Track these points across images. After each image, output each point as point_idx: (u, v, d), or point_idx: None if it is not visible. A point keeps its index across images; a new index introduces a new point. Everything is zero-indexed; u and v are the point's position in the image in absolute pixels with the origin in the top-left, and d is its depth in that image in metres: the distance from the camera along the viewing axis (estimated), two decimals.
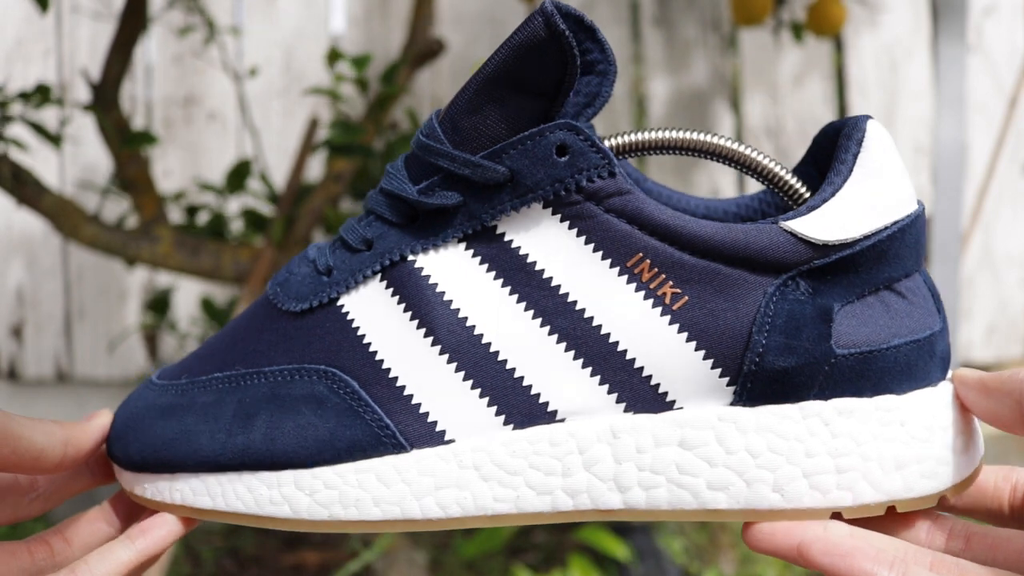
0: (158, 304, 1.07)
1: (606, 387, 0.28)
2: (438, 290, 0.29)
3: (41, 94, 0.74)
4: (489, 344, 0.28)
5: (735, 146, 0.30)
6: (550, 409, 0.28)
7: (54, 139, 0.76)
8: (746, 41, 1.26)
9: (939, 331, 0.29)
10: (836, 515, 0.27)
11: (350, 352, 0.29)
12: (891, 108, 1.26)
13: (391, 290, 0.29)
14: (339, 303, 0.30)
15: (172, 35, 1.12)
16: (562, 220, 0.28)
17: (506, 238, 0.29)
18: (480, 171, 0.28)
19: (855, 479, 0.27)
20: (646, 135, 0.30)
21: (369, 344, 0.29)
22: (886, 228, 0.28)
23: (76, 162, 1.25)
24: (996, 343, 1.26)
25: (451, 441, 0.28)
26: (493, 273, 0.29)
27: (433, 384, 0.28)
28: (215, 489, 0.30)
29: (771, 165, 0.30)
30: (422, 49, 0.90)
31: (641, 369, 0.28)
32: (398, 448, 0.28)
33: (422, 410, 0.28)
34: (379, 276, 0.30)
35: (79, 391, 1.28)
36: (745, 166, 0.30)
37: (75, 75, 1.24)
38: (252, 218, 0.91)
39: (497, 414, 0.28)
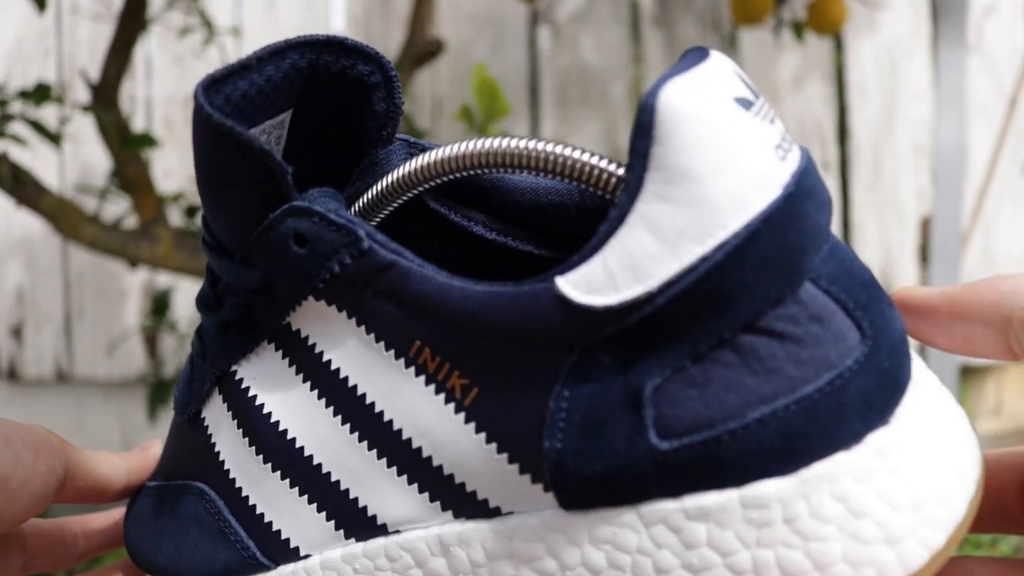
0: (158, 305, 1.07)
1: (426, 495, 0.24)
2: (257, 401, 0.26)
3: (41, 93, 0.74)
4: (311, 456, 0.25)
5: (518, 146, 0.22)
6: (380, 522, 0.25)
7: (54, 138, 0.76)
8: (746, 41, 1.26)
9: (853, 365, 0.20)
10: None
11: (212, 468, 0.28)
12: (891, 108, 1.26)
13: (225, 403, 0.27)
14: (201, 415, 0.29)
15: (172, 35, 1.12)
16: (339, 309, 0.24)
17: (301, 334, 0.25)
18: (239, 278, 0.25)
19: None
20: (391, 178, 0.25)
21: (223, 460, 0.28)
22: (704, 260, 0.19)
23: (76, 162, 1.25)
24: None
25: (307, 556, 0.26)
26: (301, 375, 0.25)
27: (275, 500, 0.26)
28: None
29: (577, 156, 0.22)
30: (421, 49, 0.90)
31: (452, 476, 0.23)
32: (262, 568, 0.27)
33: (274, 528, 0.26)
34: (216, 389, 0.28)
35: (79, 391, 1.28)
36: (544, 168, 0.22)
37: (75, 75, 1.24)
38: None
39: (336, 528, 0.25)
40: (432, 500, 0.24)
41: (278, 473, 0.26)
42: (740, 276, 0.19)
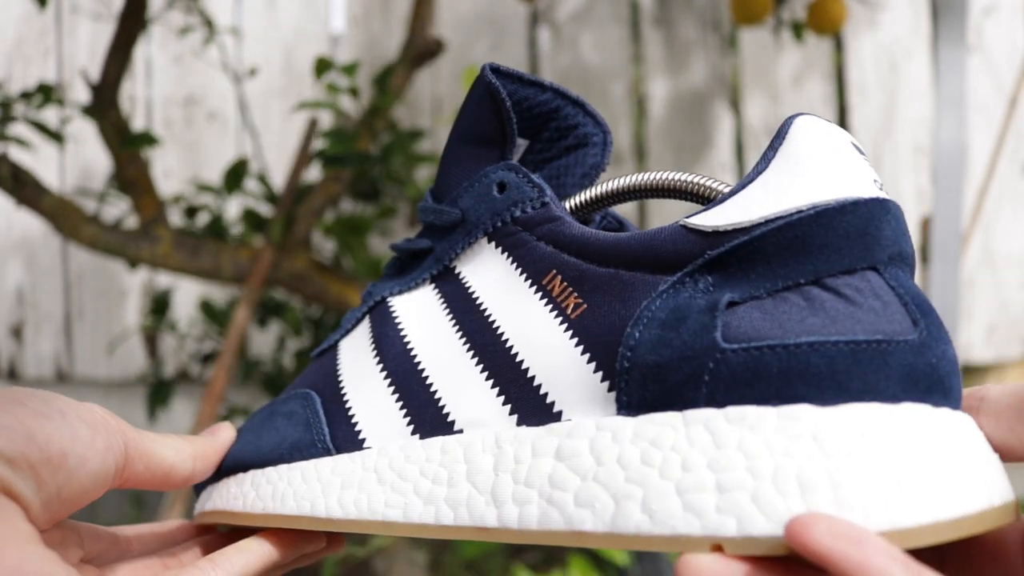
0: (158, 304, 1.07)
1: (502, 399, 0.28)
2: (396, 321, 0.32)
3: (43, 94, 0.74)
4: (419, 363, 0.30)
5: (688, 177, 0.29)
6: (450, 419, 0.29)
7: (57, 136, 0.76)
8: (746, 41, 1.26)
9: (903, 341, 0.23)
10: (717, 548, 0.22)
11: (327, 378, 0.33)
12: (891, 108, 1.26)
13: (369, 327, 0.33)
14: (338, 344, 0.34)
15: (172, 35, 1.12)
16: (501, 250, 0.30)
17: (460, 275, 0.31)
18: (439, 215, 0.32)
19: (740, 501, 0.21)
20: (599, 190, 0.32)
21: (339, 371, 0.33)
22: (799, 212, 0.24)
23: (76, 162, 1.25)
24: (996, 343, 1.26)
25: (368, 448, 0.30)
26: (445, 306, 0.31)
27: (369, 400, 0.31)
28: (212, 493, 0.34)
29: (715, 185, 0.28)
30: (421, 49, 0.90)
31: (533, 379, 0.27)
32: (325, 452, 0.30)
33: (353, 421, 0.31)
34: (367, 317, 0.34)
35: (79, 391, 1.28)
36: (697, 195, 0.28)
37: (75, 75, 1.24)
38: (251, 218, 0.91)
39: (408, 424, 0.29)
40: (505, 403, 0.28)
41: (386, 378, 0.31)
42: (824, 237, 0.24)
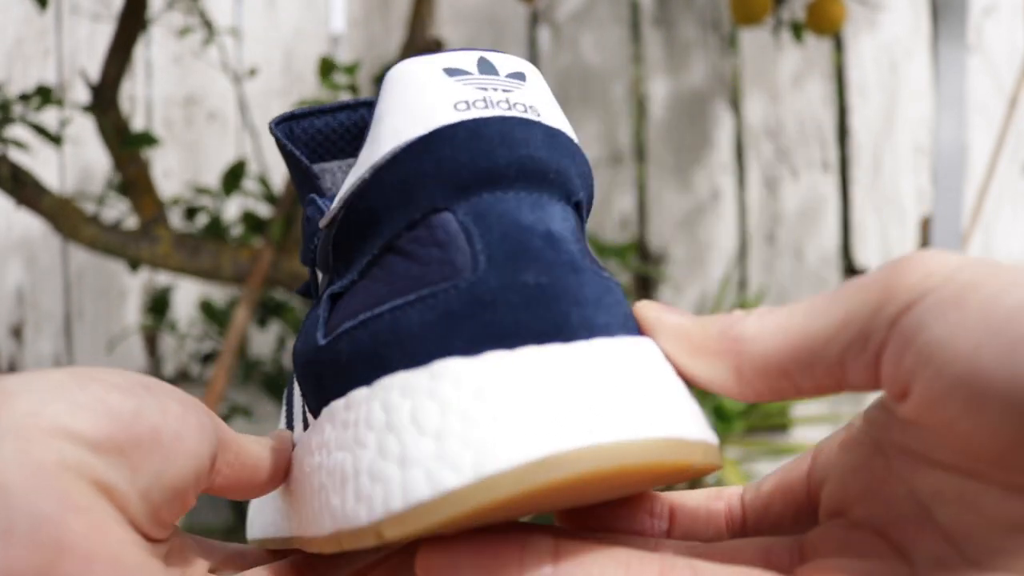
0: (158, 304, 1.07)
1: None
2: None
3: (42, 96, 0.74)
4: None
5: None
6: None
7: (55, 139, 0.76)
8: (746, 41, 1.26)
9: (450, 287, 0.20)
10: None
11: None
12: (891, 108, 1.26)
13: None
14: None
15: (172, 35, 1.12)
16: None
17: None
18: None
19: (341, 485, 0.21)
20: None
21: None
22: (359, 183, 0.22)
23: (76, 163, 1.25)
24: None
25: None
26: None
27: None
28: None
29: None
30: (421, 49, 0.90)
31: None
32: None
33: None
34: None
35: None
36: None
37: (75, 75, 1.24)
38: (251, 219, 0.91)
39: None
40: None
41: None
42: (384, 198, 0.22)
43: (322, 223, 0.24)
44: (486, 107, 0.21)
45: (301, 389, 0.24)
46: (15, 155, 0.88)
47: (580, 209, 0.23)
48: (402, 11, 1.24)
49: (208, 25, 0.93)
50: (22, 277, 1.29)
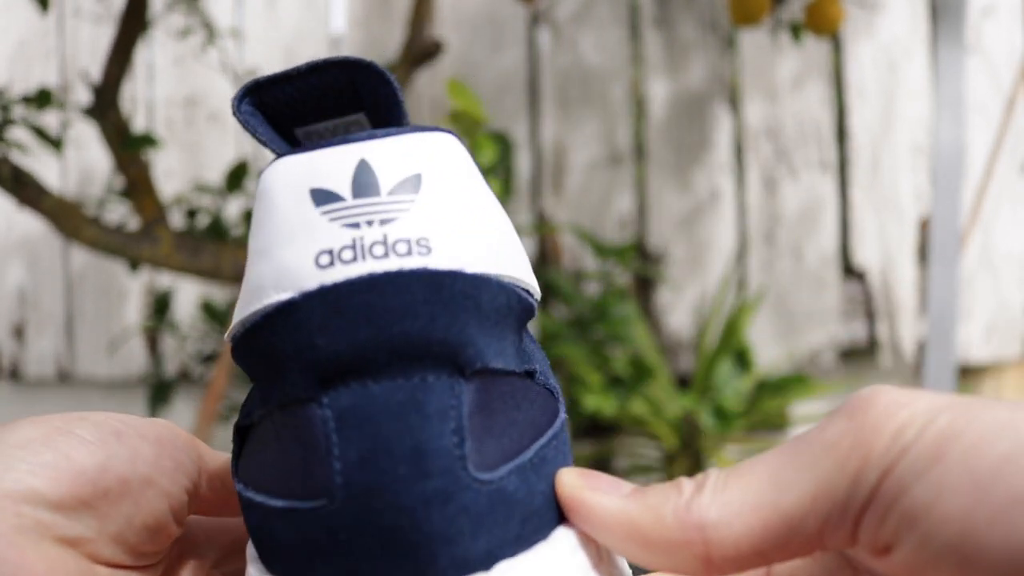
0: (159, 305, 1.07)
1: None
2: None
3: (43, 98, 0.74)
4: None
5: None
6: None
7: (55, 143, 0.76)
8: (745, 43, 1.26)
9: (311, 511, 0.18)
10: None
11: None
12: (890, 109, 1.26)
13: None
14: None
15: (173, 36, 1.13)
16: None
17: None
18: None
19: None
20: None
21: None
22: (242, 324, 0.19)
23: (77, 163, 1.26)
24: (995, 343, 1.27)
25: None
26: None
27: None
28: None
29: None
30: (421, 49, 0.90)
31: None
32: None
33: None
34: None
35: (80, 391, 1.29)
36: None
37: (76, 77, 1.25)
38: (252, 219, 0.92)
39: None
40: None
41: None
42: (256, 366, 0.19)
43: (226, 336, 0.21)
44: (354, 258, 0.18)
45: None
46: (17, 156, 0.88)
47: (482, 373, 0.19)
48: (402, 11, 1.24)
49: (208, 26, 0.94)
50: (24, 277, 1.29)
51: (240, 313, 0.19)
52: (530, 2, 1.11)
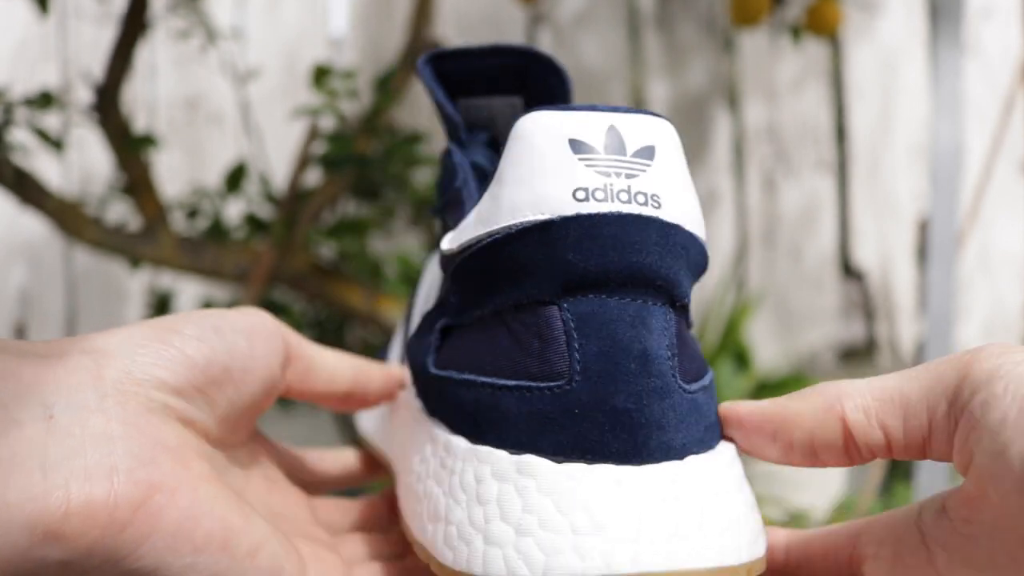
0: (160, 306, 1.08)
1: None
2: None
3: (44, 99, 0.74)
4: None
5: None
6: None
7: (56, 144, 0.77)
8: (745, 44, 1.26)
9: (545, 388, 0.22)
10: None
11: None
12: (888, 110, 1.26)
13: None
14: None
15: (174, 37, 1.13)
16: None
17: None
18: None
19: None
20: None
21: None
22: (478, 241, 0.23)
23: (79, 164, 1.26)
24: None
25: None
26: None
27: None
28: None
29: None
30: (421, 50, 0.91)
31: None
32: None
33: None
34: None
35: None
36: None
37: (78, 78, 1.25)
38: (253, 220, 0.92)
39: None
40: None
41: None
42: (497, 270, 0.23)
43: (445, 246, 0.25)
44: (605, 199, 0.22)
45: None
46: (19, 156, 0.88)
47: (685, 309, 0.24)
48: (402, 12, 1.25)
49: (209, 27, 0.94)
50: (25, 278, 1.29)
51: (483, 228, 0.23)
52: (530, 3, 1.11)
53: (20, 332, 1.29)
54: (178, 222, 0.96)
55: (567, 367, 0.22)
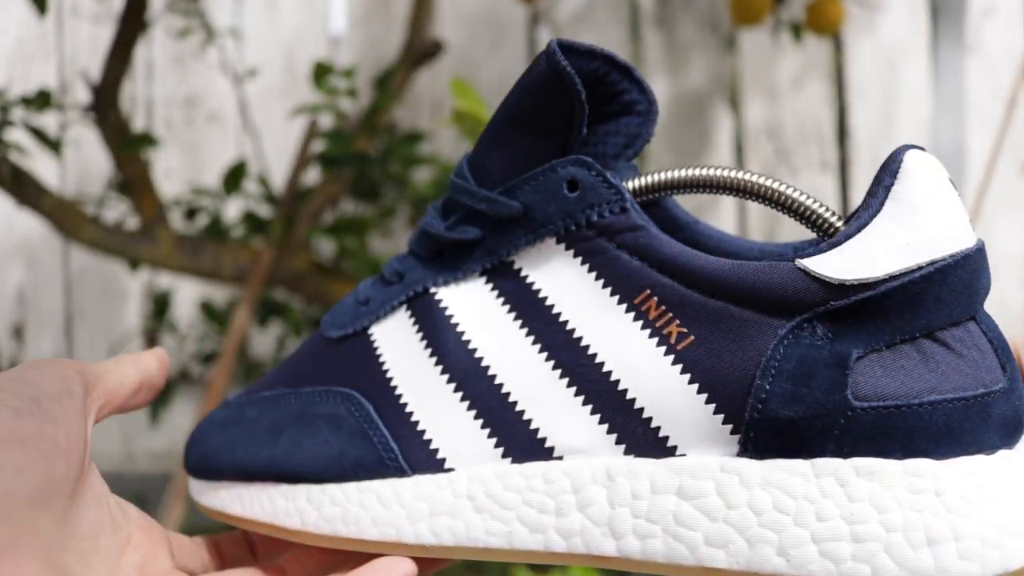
0: (159, 305, 1.07)
1: (605, 427, 0.27)
2: (452, 321, 0.29)
3: (42, 99, 0.74)
4: (494, 376, 0.28)
5: (762, 180, 0.28)
6: (547, 445, 0.28)
7: (54, 145, 0.76)
8: (745, 42, 1.26)
9: (999, 390, 0.25)
10: None
11: (370, 377, 0.30)
12: (890, 109, 1.26)
13: (412, 320, 0.30)
14: (369, 331, 0.31)
15: (173, 36, 1.12)
16: (574, 255, 0.28)
17: (521, 272, 0.29)
18: (495, 206, 0.29)
19: (874, 551, 0.24)
20: (667, 175, 0.30)
21: (387, 371, 0.30)
22: (919, 268, 0.24)
23: (77, 163, 1.26)
24: None
25: (450, 469, 0.28)
26: (508, 307, 0.29)
27: (439, 412, 0.29)
28: (244, 497, 0.31)
29: (801, 198, 0.27)
30: (421, 49, 0.90)
31: (641, 410, 0.26)
32: (399, 472, 0.28)
33: (426, 436, 0.29)
34: (404, 306, 0.31)
35: None
36: (774, 201, 0.28)
37: (76, 77, 1.25)
38: (251, 220, 0.92)
39: (496, 446, 0.28)
40: (610, 432, 0.27)
41: (454, 388, 0.29)
42: (939, 292, 0.24)
43: (839, 278, 0.25)
44: (972, 235, 0.25)
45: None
46: (17, 156, 0.88)
47: None
48: (402, 11, 1.24)
49: (208, 26, 0.93)
50: (23, 277, 1.29)
51: (916, 258, 0.24)
52: (530, 2, 1.11)
53: (18, 332, 1.29)
54: (177, 221, 0.95)
55: (999, 370, 0.25)
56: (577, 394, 0.27)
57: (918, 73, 1.26)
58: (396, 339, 0.30)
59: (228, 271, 0.84)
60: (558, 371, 0.28)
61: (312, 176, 1.03)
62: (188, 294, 1.22)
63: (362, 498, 0.29)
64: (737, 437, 0.25)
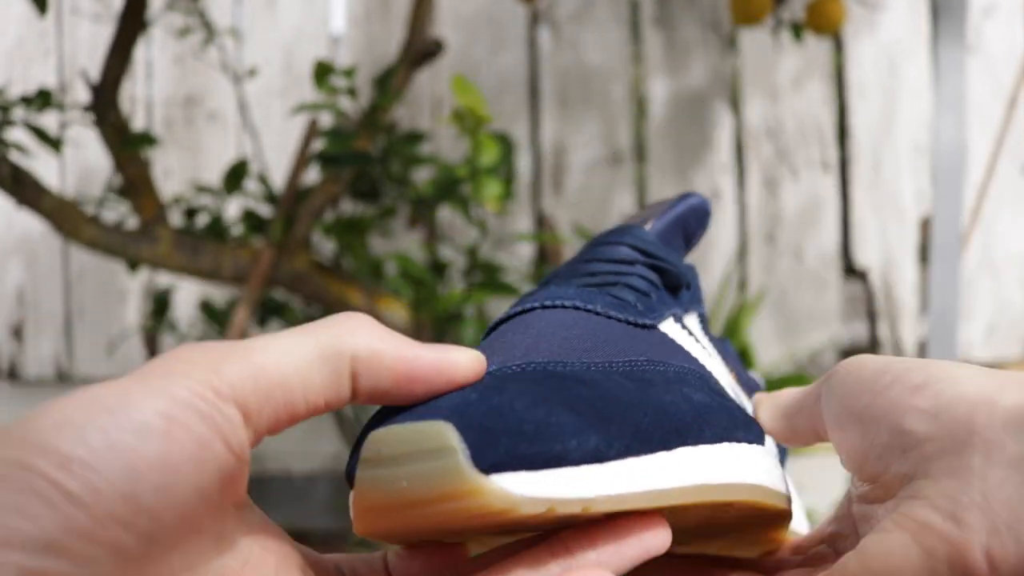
0: (158, 305, 1.07)
1: None
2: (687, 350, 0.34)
3: (42, 99, 0.74)
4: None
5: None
6: None
7: (54, 143, 0.76)
8: (746, 42, 1.26)
9: None
10: None
11: (681, 355, 0.32)
12: (890, 109, 1.26)
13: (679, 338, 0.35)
14: (659, 327, 0.34)
15: (172, 35, 1.12)
16: (682, 327, 0.35)
17: (685, 327, 0.35)
18: (677, 273, 0.36)
19: None
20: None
21: (691, 353, 0.33)
22: None
23: (77, 163, 1.26)
24: (996, 343, 1.26)
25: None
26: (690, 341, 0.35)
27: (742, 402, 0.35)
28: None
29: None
30: (421, 49, 0.90)
31: None
32: (759, 439, 0.31)
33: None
34: (672, 318, 0.35)
35: None
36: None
37: (75, 76, 1.25)
38: (251, 219, 0.92)
39: None
40: None
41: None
42: None
43: None
44: None
45: None
46: (16, 155, 0.88)
47: None
48: (402, 11, 1.24)
49: (208, 26, 0.93)
50: (23, 277, 1.29)
51: None
52: (530, 2, 1.10)
53: (17, 332, 1.29)
54: (176, 220, 0.95)
55: None
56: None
57: (918, 73, 1.25)
58: (681, 341, 0.34)
59: (228, 271, 0.84)
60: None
61: (312, 175, 1.03)
62: (188, 294, 1.22)
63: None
64: None
